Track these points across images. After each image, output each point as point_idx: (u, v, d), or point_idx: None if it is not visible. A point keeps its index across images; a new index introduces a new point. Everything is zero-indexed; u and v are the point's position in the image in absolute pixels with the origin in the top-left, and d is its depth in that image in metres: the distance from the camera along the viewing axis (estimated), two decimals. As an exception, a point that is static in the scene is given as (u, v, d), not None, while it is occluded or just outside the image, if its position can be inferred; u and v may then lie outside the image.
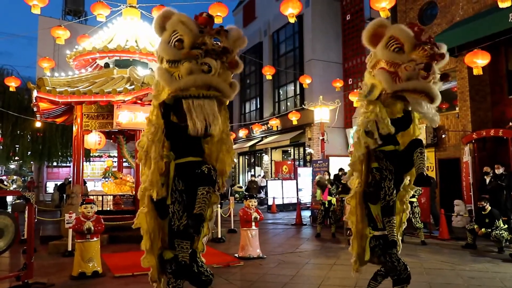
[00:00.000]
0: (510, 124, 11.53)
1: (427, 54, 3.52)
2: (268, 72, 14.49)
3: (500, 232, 7.52)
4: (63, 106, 10.23)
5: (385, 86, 3.67)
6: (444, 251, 7.79)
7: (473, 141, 11.44)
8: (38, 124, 16.23)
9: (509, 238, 7.56)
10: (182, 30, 3.30)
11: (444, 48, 3.72)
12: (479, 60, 8.81)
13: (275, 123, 19.44)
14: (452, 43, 11.94)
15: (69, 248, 7.30)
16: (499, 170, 9.17)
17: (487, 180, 9.60)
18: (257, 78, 24.50)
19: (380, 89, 3.75)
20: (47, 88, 9.22)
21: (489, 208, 7.86)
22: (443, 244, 8.52)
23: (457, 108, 12.74)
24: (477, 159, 11.32)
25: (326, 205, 10.15)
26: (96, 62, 11.30)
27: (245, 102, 26.46)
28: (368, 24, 3.95)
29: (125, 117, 9.73)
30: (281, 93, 22.58)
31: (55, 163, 22.02)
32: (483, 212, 7.91)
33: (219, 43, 3.44)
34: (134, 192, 10.43)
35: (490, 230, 7.65)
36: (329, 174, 11.67)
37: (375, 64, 3.92)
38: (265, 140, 22.35)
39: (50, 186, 23.22)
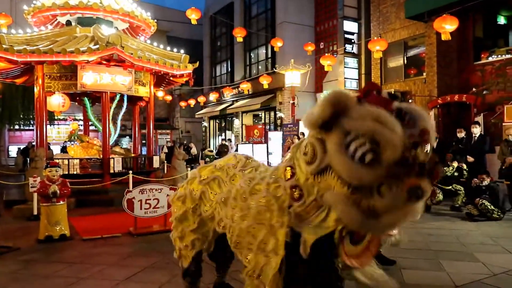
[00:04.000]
0: (474, 89, 11.93)
1: None
2: (239, 34, 14.18)
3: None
4: (22, 65, 9.68)
5: None
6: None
7: (438, 106, 11.79)
8: (-4, 85, 15.40)
9: (464, 200, 7.97)
10: (383, 137, 1.82)
11: None
12: (447, 26, 8.91)
13: (246, 86, 19.26)
14: (423, 8, 12.04)
15: (35, 212, 7.16)
16: (461, 134, 9.52)
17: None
18: (228, 40, 23.94)
19: None
20: (4, 46, 8.71)
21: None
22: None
23: (424, 74, 13.00)
24: (441, 124, 11.72)
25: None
26: (56, 19, 10.68)
27: (216, 65, 25.95)
28: None
29: (90, 78, 9.37)
30: (253, 56, 22.24)
31: (17, 127, 21.15)
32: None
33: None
34: (101, 156, 10.23)
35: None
36: (298, 138, 11.80)
37: None
38: (236, 104, 22.18)
39: (13, 150, 22.42)
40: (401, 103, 1.94)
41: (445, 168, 8.23)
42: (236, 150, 18.98)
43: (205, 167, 2.88)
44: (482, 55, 12.17)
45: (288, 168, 2.12)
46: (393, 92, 2.01)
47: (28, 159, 12.06)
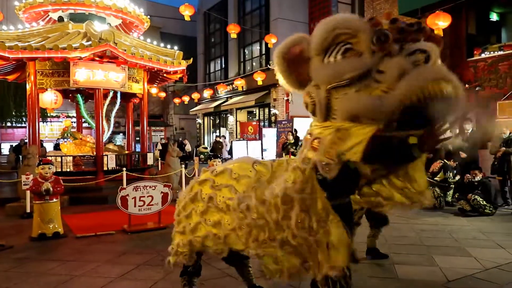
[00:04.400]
0: (466, 86, 12.00)
1: None
2: (233, 31, 14.13)
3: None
4: (14, 62, 9.59)
5: None
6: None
7: (431, 103, 11.84)
8: (-13, 82, 15.25)
9: (456, 196, 8.00)
10: (347, 25, 1.85)
11: None
12: (440, 22, 8.95)
13: (240, 83, 19.24)
14: (416, 5, 12.07)
15: (28, 210, 7.10)
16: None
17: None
18: (222, 36, 23.89)
19: None
20: (-5, 42, 8.61)
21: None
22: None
23: (417, 70, 13.05)
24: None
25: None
26: (48, 15, 10.58)
27: (210, 61, 25.89)
28: None
29: (82, 75, 9.31)
30: (247, 52, 22.21)
31: (9, 124, 20.98)
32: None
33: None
34: (94, 153, 10.18)
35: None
36: (292, 135, 11.81)
37: None
38: (230, 101, 22.16)
39: (5, 148, 22.26)
40: None
41: (449, 174, 8.12)
42: (231, 147, 18.99)
43: (220, 173, 2.70)
44: (475, 52, 12.25)
45: (307, 136, 2.16)
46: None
47: (21, 157, 11.97)
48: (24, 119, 19.09)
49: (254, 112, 22.32)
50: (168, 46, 11.48)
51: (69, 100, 12.39)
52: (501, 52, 11.67)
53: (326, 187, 2.03)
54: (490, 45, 12.29)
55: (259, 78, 16.75)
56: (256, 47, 21.43)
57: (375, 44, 1.80)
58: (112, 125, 11.77)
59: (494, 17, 13.08)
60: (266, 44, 16.83)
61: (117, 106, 11.63)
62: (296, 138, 12.13)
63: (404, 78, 1.73)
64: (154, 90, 17.61)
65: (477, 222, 6.54)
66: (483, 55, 12.06)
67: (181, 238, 2.85)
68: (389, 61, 1.78)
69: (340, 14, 2.01)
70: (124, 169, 8.82)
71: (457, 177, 8.13)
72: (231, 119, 23.08)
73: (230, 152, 19.28)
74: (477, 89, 11.81)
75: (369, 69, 1.79)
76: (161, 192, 6.06)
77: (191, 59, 11.54)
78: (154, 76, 11.75)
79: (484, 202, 7.03)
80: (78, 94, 11.29)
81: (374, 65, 1.78)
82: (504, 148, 7.89)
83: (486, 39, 12.74)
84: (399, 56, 1.78)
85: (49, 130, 23.57)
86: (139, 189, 5.93)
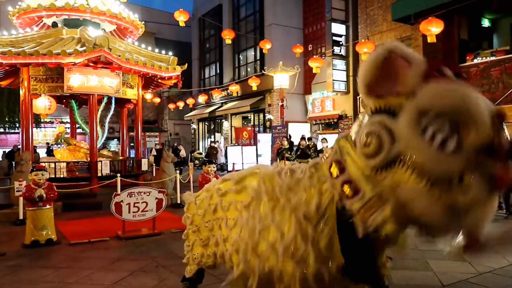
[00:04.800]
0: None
1: None
2: (228, 36, 14.18)
3: None
4: (7, 67, 9.56)
5: None
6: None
7: (425, 108, 11.90)
8: (-20, 88, 15.14)
9: None
10: (468, 116, 1.50)
11: None
12: (433, 28, 9.05)
13: (235, 88, 19.27)
14: (409, 11, 12.17)
15: (21, 217, 7.04)
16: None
17: None
18: (217, 42, 23.92)
19: None
20: (-12, 48, 8.57)
21: None
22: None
23: (411, 76, 13.13)
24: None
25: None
26: (42, 20, 10.56)
27: (205, 67, 25.90)
28: None
29: (76, 81, 9.28)
30: (241, 58, 22.25)
31: (2, 130, 20.84)
32: None
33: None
34: (88, 159, 10.12)
35: None
36: (287, 140, 11.83)
37: None
38: (225, 106, 22.17)
39: (-2, 154, 22.05)
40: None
41: None
42: (225, 152, 18.97)
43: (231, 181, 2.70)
44: (467, 57, 12.35)
45: (334, 164, 1.85)
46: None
47: (14, 163, 11.87)
48: (18, 125, 18.97)
49: (249, 117, 22.33)
50: (163, 52, 11.50)
51: (63, 106, 12.33)
52: (493, 58, 11.78)
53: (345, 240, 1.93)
54: (482, 51, 12.40)
55: (254, 83, 16.78)
56: (250, 53, 21.48)
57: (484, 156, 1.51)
58: (106, 131, 11.73)
59: (486, 23, 13.22)
60: (261, 49, 16.90)
61: (111, 112, 11.59)
62: (291, 144, 12.15)
63: (477, 209, 1.57)
64: (148, 96, 17.60)
65: (471, 227, 6.56)
66: (475, 61, 12.16)
67: (204, 249, 2.78)
68: (473, 179, 1.51)
69: (469, 88, 1.58)
70: (118, 175, 8.78)
71: None
72: (226, 124, 23.07)
73: (225, 157, 19.27)
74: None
75: (455, 175, 1.52)
76: (156, 198, 6.04)
77: (186, 64, 11.55)
78: (148, 81, 11.75)
79: (478, 207, 7.05)
80: (72, 100, 11.23)
81: (463, 172, 1.51)
82: None
83: (478, 44, 12.86)
84: (488, 181, 1.52)
85: (42, 136, 23.42)
86: (133, 195, 5.90)
